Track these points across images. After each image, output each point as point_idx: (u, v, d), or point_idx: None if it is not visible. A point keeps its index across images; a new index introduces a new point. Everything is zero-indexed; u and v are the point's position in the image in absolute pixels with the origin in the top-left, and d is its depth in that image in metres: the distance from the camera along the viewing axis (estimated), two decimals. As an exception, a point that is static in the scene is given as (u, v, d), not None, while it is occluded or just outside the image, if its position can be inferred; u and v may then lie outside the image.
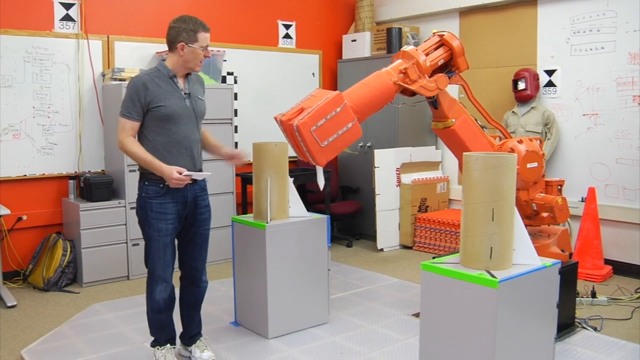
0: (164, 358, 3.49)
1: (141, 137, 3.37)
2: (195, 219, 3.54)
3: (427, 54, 3.93)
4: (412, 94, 3.97)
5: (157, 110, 3.30)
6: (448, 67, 4.06)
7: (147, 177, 3.37)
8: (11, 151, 5.29)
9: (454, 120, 4.03)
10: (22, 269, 5.40)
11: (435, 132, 4.21)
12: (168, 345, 3.55)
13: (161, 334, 3.54)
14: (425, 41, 4.10)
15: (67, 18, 5.53)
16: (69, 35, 5.54)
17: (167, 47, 3.39)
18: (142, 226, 3.44)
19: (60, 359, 3.70)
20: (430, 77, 3.89)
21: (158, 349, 3.53)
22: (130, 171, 5.32)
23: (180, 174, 3.25)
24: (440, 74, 3.93)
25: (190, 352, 3.68)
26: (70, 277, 5.28)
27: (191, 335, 3.70)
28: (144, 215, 3.40)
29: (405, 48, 3.93)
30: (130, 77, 5.40)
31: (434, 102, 4.01)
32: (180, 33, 3.32)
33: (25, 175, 5.39)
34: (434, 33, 4.08)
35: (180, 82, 3.41)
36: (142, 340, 3.94)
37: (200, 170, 3.52)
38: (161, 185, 3.35)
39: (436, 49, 4.00)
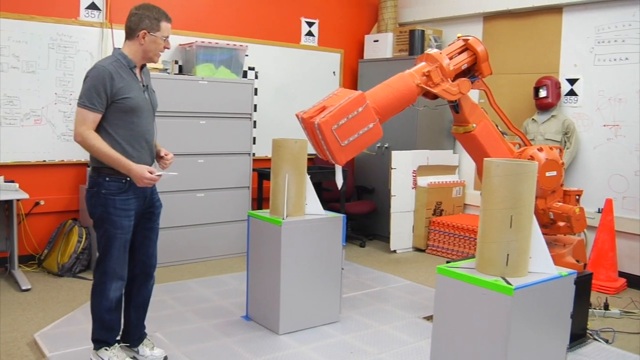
0: (116, 357, 3.34)
1: (100, 130, 3.16)
2: (152, 214, 3.45)
3: (450, 58, 3.92)
4: (434, 97, 3.96)
5: (122, 103, 3.14)
6: (471, 72, 4.05)
7: (107, 172, 3.18)
8: (32, 136, 5.34)
9: (474, 125, 4.02)
10: (38, 254, 5.46)
11: (455, 136, 4.21)
12: (116, 344, 3.41)
13: (112, 334, 3.38)
14: (449, 45, 4.10)
15: (92, 7, 5.56)
16: (94, 24, 5.58)
17: (126, 35, 3.25)
18: (101, 224, 3.23)
19: (73, 344, 3.73)
20: (453, 81, 3.89)
21: (106, 349, 3.36)
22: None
23: (151, 173, 3.15)
24: (463, 79, 3.92)
25: (137, 351, 3.56)
26: (84, 263, 5.32)
27: (139, 335, 3.58)
28: (104, 213, 3.21)
29: (429, 51, 3.92)
30: (152, 68, 5.46)
31: (455, 106, 4.00)
32: (142, 20, 3.20)
33: (45, 161, 5.43)
34: (458, 37, 4.07)
35: (138, 73, 3.29)
36: (154, 330, 3.96)
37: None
38: (123, 181, 3.19)
39: (460, 53, 3.99)
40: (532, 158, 3.93)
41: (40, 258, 5.41)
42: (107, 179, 3.19)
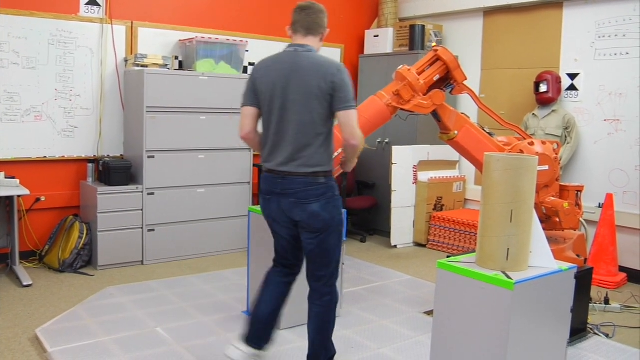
0: None
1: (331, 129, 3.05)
2: None
3: (422, 71, 3.95)
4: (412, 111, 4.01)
5: None
6: (448, 80, 4.09)
7: (331, 174, 3.02)
8: (32, 132, 5.34)
9: (456, 132, 4.07)
10: (39, 249, 5.46)
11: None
12: None
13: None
14: (423, 58, 4.14)
15: (92, 2, 5.55)
16: (94, 20, 5.58)
17: (308, 31, 3.14)
18: (339, 231, 3.01)
19: (74, 340, 3.74)
20: (426, 93, 3.91)
21: None
22: (149, 157, 5.37)
23: None
24: (435, 90, 3.95)
25: None
26: (85, 259, 5.33)
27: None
28: (340, 216, 3.00)
29: (399, 68, 3.95)
30: (152, 64, 5.45)
31: (435, 116, 4.06)
32: (326, 19, 3.14)
33: (45, 157, 5.44)
34: (432, 46, 4.12)
35: None
36: (155, 325, 3.97)
37: None
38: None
39: (432, 64, 4.01)
40: (522, 152, 3.94)
41: (42, 254, 5.42)
42: (335, 181, 3.05)
